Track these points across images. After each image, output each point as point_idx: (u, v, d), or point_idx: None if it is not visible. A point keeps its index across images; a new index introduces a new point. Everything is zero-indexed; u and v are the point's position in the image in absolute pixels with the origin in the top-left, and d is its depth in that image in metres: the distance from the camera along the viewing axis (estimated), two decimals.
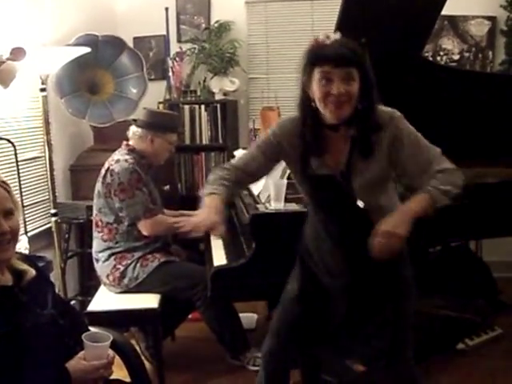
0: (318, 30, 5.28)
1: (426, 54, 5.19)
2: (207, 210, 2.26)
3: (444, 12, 3.54)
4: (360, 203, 2.27)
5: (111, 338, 2.02)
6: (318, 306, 2.47)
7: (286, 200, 2.97)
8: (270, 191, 2.96)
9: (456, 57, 5.33)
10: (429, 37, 3.85)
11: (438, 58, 5.30)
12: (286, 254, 2.78)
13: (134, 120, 3.80)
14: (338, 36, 2.22)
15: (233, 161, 2.48)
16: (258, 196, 3.26)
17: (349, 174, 2.27)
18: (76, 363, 1.95)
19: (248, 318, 4.23)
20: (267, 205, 3.01)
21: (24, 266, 2.04)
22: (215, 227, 2.26)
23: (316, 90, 2.18)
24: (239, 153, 4.10)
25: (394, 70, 3.46)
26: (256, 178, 2.51)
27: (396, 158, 2.28)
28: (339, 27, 3.28)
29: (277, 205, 2.92)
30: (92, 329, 2.23)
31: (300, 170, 2.34)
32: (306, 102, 2.26)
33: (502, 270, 5.03)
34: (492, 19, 5.25)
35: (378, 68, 3.30)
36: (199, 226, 2.28)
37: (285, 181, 3.02)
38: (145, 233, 3.54)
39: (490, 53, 5.31)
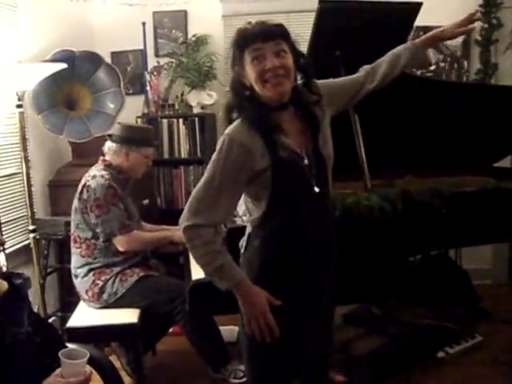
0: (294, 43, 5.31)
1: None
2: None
3: (419, 23, 3.58)
4: (316, 189, 2.19)
5: (88, 355, 2.02)
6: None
7: None
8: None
9: (432, 67, 5.39)
10: None
11: (414, 69, 5.35)
12: None
13: (109, 135, 3.80)
14: (259, 19, 2.18)
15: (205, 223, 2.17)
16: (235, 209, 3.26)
17: (317, 150, 2.21)
18: (53, 381, 1.95)
19: (229, 330, 4.21)
20: (244, 218, 3.00)
21: None
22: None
23: (251, 73, 2.11)
24: None
25: None
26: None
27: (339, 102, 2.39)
28: (314, 40, 3.32)
29: None
30: (70, 345, 2.22)
31: (272, 164, 2.12)
32: (244, 93, 2.16)
33: (481, 277, 5.08)
34: None
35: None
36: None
37: None
38: (120, 249, 3.54)
39: (466, 62, 5.38)
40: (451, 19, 4.97)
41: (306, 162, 2.17)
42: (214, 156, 2.16)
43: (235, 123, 2.16)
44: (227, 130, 2.16)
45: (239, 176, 2.14)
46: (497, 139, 4.09)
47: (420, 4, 3.44)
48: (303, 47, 2.63)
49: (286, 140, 2.15)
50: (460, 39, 5.29)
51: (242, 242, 2.35)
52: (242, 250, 2.34)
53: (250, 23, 2.16)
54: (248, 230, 2.33)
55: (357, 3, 3.49)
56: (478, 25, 5.24)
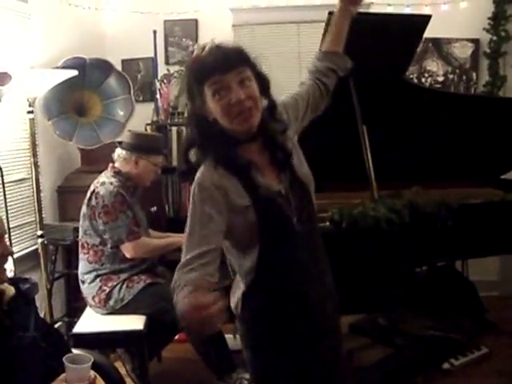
0: (304, 53, 5.37)
1: (411, 76, 5.26)
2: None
3: (428, 35, 3.61)
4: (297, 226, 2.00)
5: (92, 360, 2.03)
6: None
7: None
8: None
9: (440, 78, 5.40)
10: (411, 59, 3.91)
11: (423, 80, 5.37)
12: None
13: (119, 142, 3.82)
14: (212, 43, 1.94)
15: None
16: None
17: (295, 181, 2.03)
18: None
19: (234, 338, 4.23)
20: None
21: (2, 286, 2.05)
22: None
23: (215, 107, 1.90)
24: None
25: (378, 91, 3.53)
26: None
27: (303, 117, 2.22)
28: None
29: None
30: (76, 351, 2.24)
31: (250, 198, 1.94)
32: (208, 129, 1.95)
33: (487, 289, 5.06)
34: (475, 42, 5.33)
35: (363, 90, 3.40)
36: None
37: None
38: (128, 255, 3.55)
39: (474, 74, 5.38)
40: (460, 31, 5.04)
41: (286, 195, 1.99)
42: (188, 211, 1.96)
43: (201, 169, 1.95)
44: (196, 179, 1.94)
45: (219, 218, 1.91)
46: (504, 151, 4.10)
47: (429, 16, 3.45)
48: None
49: (263, 180, 1.97)
50: (469, 51, 5.31)
51: (235, 303, 2.12)
52: (238, 311, 2.10)
53: (203, 49, 1.92)
54: (238, 289, 2.11)
55: (367, 15, 3.51)
56: (486, 37, 5.27)
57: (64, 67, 4.13)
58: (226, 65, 1.87)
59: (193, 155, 2.02)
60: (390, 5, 5.18)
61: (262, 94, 1.97)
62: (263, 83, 1.99)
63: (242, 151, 1.97)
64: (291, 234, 2.00)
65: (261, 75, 1.99)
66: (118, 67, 5.01)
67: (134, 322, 3.45)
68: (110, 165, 3.74)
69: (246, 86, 1.89)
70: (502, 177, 4.36)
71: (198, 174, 1.95)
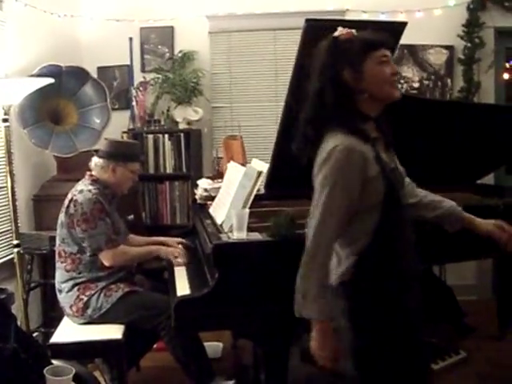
0: (280, 60, 5.39)
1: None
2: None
3: (404, 42, 3.62)
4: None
5: (73, 372, 2.01)
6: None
7: (249, 229, 2.98)
8: (233, 221, 2.97)
9: (416, 84, 5.45)
10: None
11: (399, 86, 5.40)
12: (249, 283, 2.81)
13: (96, 151, 3.80)
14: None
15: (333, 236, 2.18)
16: (221, 225, 3.27)
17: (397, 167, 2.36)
18: None
19: (213, 346, 4.22)
20: (230, 234, 3.01)
21: None
22: None
23: (378, 74, 2.20)
24: (203, 182, 4.11)
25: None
26: None
27: None
28: (300, 58, 3.34)
29: (239, 234, 2.92)
30: (55, 362, 2.21)
31: (379, 167, 2.18)
32: (348, 97, 2.22)
33: (465, 293, 5.09)
34: (450, 48, 5.40)
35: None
36: None
37: (247, 210, 3.02)
38: (106, 263, 3.53)
39: (449, 80, 5.44)
40: (435, 38, 5.10)
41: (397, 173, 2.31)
42: (328, 170, 2.14)
43: (339, 135, 2.16)
44: (337, 142, 2.14)
45: (357, 184, 2.14)
46: (481, 157, 4.13)
47: (405, 23, 3.48)
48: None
49: (383, 154, 2.25)
50: (444, 58, 5.36)
51: (341, 274, 2.27)
52: (345, 278, 2.26)
53: (350, 32, 2.25)
54: (340, 261, 2.28)
55: (343, 22, 3.51)
56: (460, 43, 5.33)
57: (39, 75, 4.11)
58: (390, 42, 2.26)
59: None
60: (365, 12, 5.22)
61: None
62: None
63: (367, 126, 2.25)
64: (402, 203, 2.28)
65: None
66: (94, 75, 4.99)
67: (112, 331, 3.42)
68: (88, 173, 3.72)
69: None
70: (479, 182, 4.40)
71: (333, 142, 2.15)
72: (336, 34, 2.25)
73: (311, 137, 2.25)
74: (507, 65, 5.69)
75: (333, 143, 2.14)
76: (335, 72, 2.21)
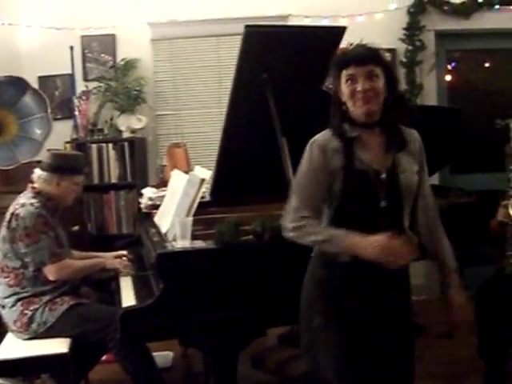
0: (224, 66, 5.38)
1: (331, 87, 5.32)
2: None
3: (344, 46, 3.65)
4: (383, 203, 2.33)
5: None
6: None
7: (193, 237, 2.96)
8: (176, 229, 2.95)
9: None
10: (328, 70, 3.95)
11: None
12: (195, 291, 2.79)
13: (38, 162, 3.73)
14: (359, 42, 2.49)
15: (301, 207, 2.39)
16: (166, 234, 3.24)
17: (395, 170, 2.36)
18: None
19: (163, 356, 4.19)
20: (174, 243, 2.99)
21: None
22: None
23: (345, 91, 2.33)
24: (147, 190, 4.08)
25: (296, 103, 3.56)
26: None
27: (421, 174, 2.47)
28: (240, 63, 3.34)
29: (183, 243, 2.90)
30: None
31: (344, 167, 2.33)
32: (339, 106, 2.38)
33: (415, 292, 5.12)
34: (392, 51, 5.46)
35: (281, 102, 3.42)
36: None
37: (190, 218, 3.01)
38: (51, 278, 3.47)
39: None
40: (377, 42, 5.13)
41: (383, 176, 2.34)
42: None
43: (324, 132, 2.42)
44: (316, 137, 2.41)
45: (321, 176, 2.35)
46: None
47: (344, 28, 3.51)
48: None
49: (363, 154, 2.35)
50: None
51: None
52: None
53: (351, 44, 2.54)
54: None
55: (283, 27, 3.55)
56: (402, 47, 5.42)
57: None
58: (360, 61, 2.31)
59: None
60: (307, 17, 5.26)
61: (389, 91, 2.35)
62: (391, 83, 2.36)
63: (361, 132, 2.36)
64: (371, 209, 2.34)
65: (390, 76, 2.37)
66: (35, 84, 4.93)
67: (58, 346, 3.35)
68: (30, 185, 3.65)
69: (372, 80, 2.30)
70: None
71: (318, 136, 2.41)
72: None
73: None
74: (449, 67, 5.80)
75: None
76: (331, 81, 2.47)
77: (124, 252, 3.88)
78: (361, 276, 2.33)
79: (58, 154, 3.77)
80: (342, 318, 2.36)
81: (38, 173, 3.65)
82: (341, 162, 2.33)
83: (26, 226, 3.43)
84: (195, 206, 3.14)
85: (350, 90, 2.31)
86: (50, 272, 3.47)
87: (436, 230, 2.54)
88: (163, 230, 3.35)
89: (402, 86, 5.44)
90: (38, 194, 3.60)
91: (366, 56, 2.34)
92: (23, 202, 3.52)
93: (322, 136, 2.41)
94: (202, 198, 3.38)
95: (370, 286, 2.35)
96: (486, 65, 5.90)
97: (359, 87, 2.29)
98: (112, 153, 5.14)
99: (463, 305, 2.52)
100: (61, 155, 3.78)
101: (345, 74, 2.33)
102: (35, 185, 3.64)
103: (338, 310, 2.37)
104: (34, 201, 3.53)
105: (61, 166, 3.63)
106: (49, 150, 3.80)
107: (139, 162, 5.21)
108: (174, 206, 3.39)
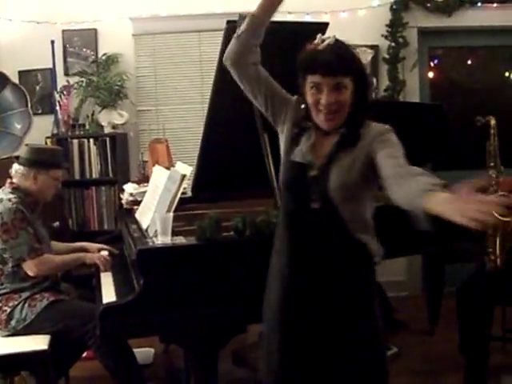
0: (206, 61, 5.36)
1: None
2: None
3: None
4: (315, 204, 2.21)
5: None
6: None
7: (174, 233, 2.95)
8: (157, 225, 2.94)
9: None
10: None
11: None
12: (175, 288, 2.78)
13: (16, 157, 3.70)
14: (332, 40, 2.21)
15: None
16: (147, 230, 3.23)
17: (328, 167, 2.20)
18: None
19: (144, 352, 4.18)
20: (154, 239, 2.98)
21: None
22: None
23: (308, 97, 2.20)
24: (129, 186, 4.07)
25: None
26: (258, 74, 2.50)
27: (375, 156, 2.16)
28: (222, 58, 3.32)
29: (163, 239, 2.89)
30: None
31: (285, 153, 2.33)
32: (304, 100, 2.27)
33: (395, 289, 5.17)
34: (375, 48, 5.47)
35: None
36: None
37: (171, 214, 3.00)
38: (30, 273, 3.44)
39: (375, 80, 5.50)
40: (359, 38, 5.15)
41: (312, 173, 2.23)
42: None
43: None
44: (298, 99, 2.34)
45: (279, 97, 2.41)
46: (408, 154, 4.18)
47: (327, 24, 3.49)
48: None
49: (304, 146, 2.27)
50: (369, 57, 5.42)
51: None
52: None
53: (323, 41, 2.21)
54: None
55: None
56: (385, 43, 5.42)
57: None
58: (328, 71, 2.13)
59: None
60: (290, 13, 5.23)
61: (355, 100, 2.20)
62: (360, 91, 2.21)
63: (316, 132, 2.27)
64: (301, 208, 2.27)
65: (360, 84, 2.21)
66: (15, 79, 4.89)
67: (37, 342, 3.32)
68: (8, 181, 3.62)
69: (339, 93, 2.15)
70: None
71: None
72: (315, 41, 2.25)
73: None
74: (432, 64, 5.82)
75: None
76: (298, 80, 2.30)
77: (104, 246, 3.86)
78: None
79: (35, 148, 3.74)
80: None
81: (15, 167, 3.62)
82: (284, 149, 2.34)
83: (3, 222, 3.40)
84: (176, 201, 3.14)
85: (313, 99, 2.17)
86: (30, 268, 3.44)
87: (407, 171, 2.09)
88: (144, 225, 3.33)
89: (385, 82, 5.47)
90: (15, 189, 3.57)
91: (335, 66, 2.13)
92: (1, 198, 3.49)
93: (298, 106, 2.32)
94: (183, 193, 3.36)
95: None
96: (469, 62, 5.91)
97: (323, 100, 2.14)
98: (93, 148, 5.11)
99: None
100: (38, 149, 3.74)
101: (310, 79, 2.18)
102: (13, 180, 3.61)
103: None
104: (11, 196, 3.50)
105: (37, 160, 3.61)
106: (27, 145, 3.77)
107: (120, 158, 5.18)
108: (155, 201, 3.38)
